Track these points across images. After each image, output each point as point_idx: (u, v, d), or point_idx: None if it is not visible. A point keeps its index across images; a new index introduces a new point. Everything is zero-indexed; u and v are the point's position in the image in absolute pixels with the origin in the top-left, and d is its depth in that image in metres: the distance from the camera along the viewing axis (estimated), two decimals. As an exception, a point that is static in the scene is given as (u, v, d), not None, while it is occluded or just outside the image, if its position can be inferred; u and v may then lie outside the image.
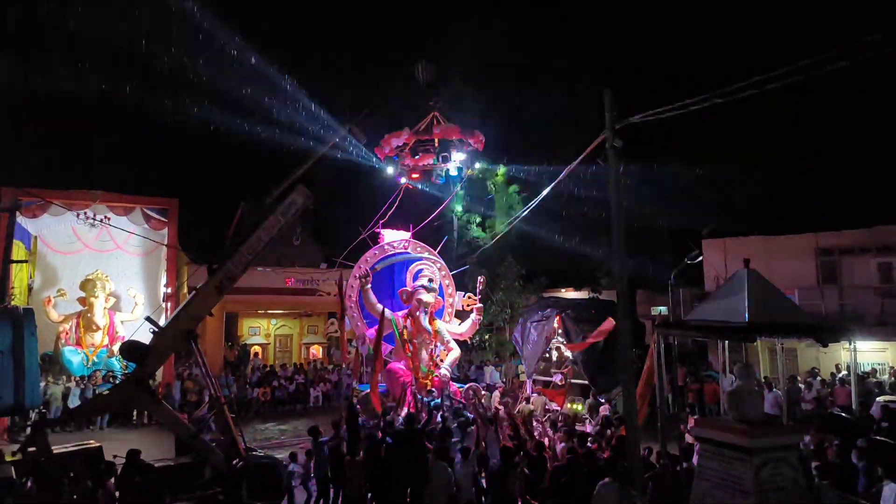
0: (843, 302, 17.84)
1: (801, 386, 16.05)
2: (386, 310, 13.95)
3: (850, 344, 11.72)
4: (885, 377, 17.10)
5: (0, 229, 14.72)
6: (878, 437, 9.01)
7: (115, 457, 8.62)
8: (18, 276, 17.82)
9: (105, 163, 27.68)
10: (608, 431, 11.18)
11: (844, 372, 16.10)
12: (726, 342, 11.80)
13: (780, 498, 6.70)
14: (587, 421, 13.66)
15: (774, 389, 14.39)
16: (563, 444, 10.37)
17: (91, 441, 9.58)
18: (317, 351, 26.88)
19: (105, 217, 20.26)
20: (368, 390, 13.43)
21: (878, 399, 13.65)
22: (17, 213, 14.83)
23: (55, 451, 8.73)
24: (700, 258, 21.58)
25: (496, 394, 15.76)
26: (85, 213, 19.78)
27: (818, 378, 16.75)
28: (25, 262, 17.98)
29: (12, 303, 15.39)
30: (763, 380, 15.61)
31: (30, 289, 19.37)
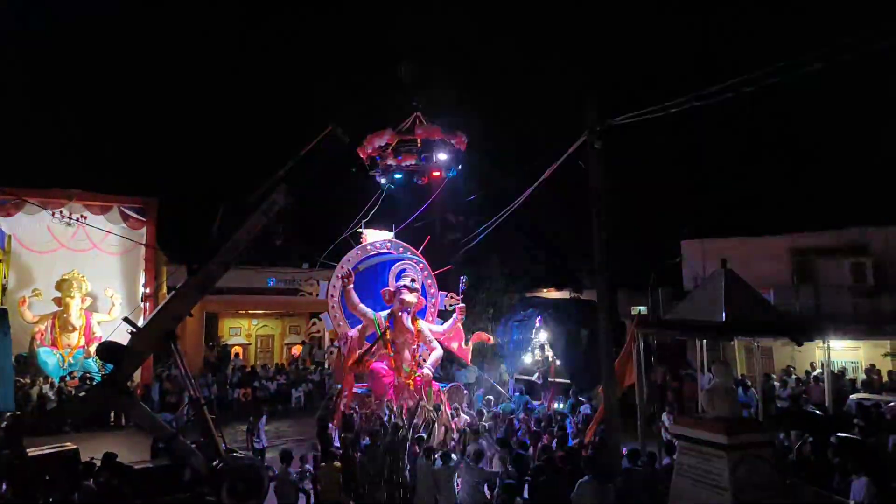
0: (818, 302, 18.20)
1: (776, 384, 16.35)
2: (368, 310, 13.93)
3: (824, 343, 11.96)
4: (859, 375, 17.51)
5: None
6: (849, 435, 9.22)
7: (91, 459, 8.51)
8: (-8, 276, 17.47)
9: (82, 160, 27.29)
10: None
11: (819, 370, 16.44)
12: (704, 341, 11.98)
13: (756, 494, 6.85)
14: (568, 420, 13.76)
15: (751, 388, 14.65)
16: (545, 442, 10.47)
17: (67, 443, 9.43)
18: (298, 351, 26.73)
19: (81, 216, 19.92)
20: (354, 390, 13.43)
21: (851, 396, 13.97)
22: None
23: (30, 454, 8.58)
24: (679, 259, 21.92)
25: (479, 393, 15.83)
26: (60, 212, 19.46)
27: (793, 376, 17.09)
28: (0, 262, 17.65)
29: (-15, 303, 15.08)
30: (740, 378, 15.88)
31: (3, 289, 18.97)
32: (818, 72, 7.06)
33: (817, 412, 11.02)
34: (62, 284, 19.94)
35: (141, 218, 21.07)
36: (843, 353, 18.34)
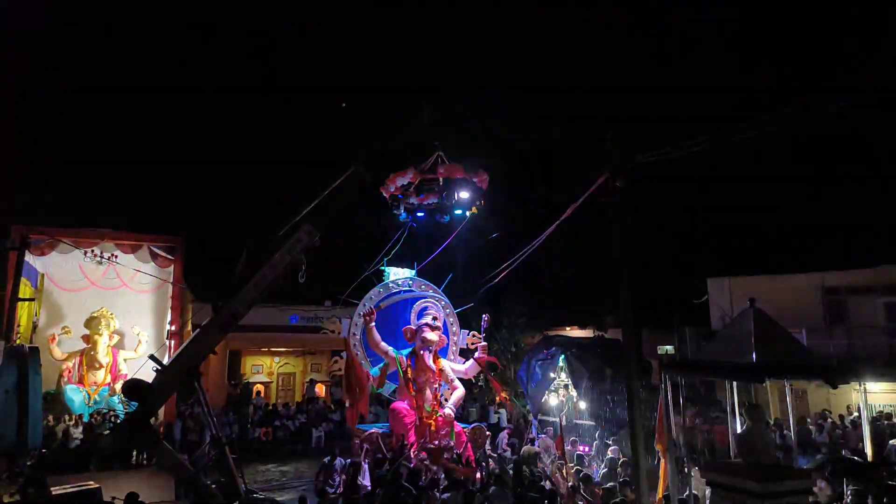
0: (852, 342, 17.61)
1: (812, 428, 15.73)
2: (390, 348, 13.88)
3: (860, 385, 11.51)
4: (898, 419, 16.76)
5: (9, 267, 14.83)
6: (892, 482, 8.78)
7: (113, 499, 8.49)
8: (24, 314, 17.86)
9: (113, 200, 28.11)
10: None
11: (856, 414, 15.79)
12: (734, 383, 11.62)
13: (793, 545, 6.52)
14: (594, 464, 13.39)
15: (785, 432, 14.11)
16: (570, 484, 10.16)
17: (90, 482, 9.44)
18: (320, 389, 26.59)
19: (112, 255, 20.42)
20: (374, 430, 13.31)
21: (891, 441, 13.36)
22: (26, 251, 14.96)
23: (54, 492, 8.61)
24: (705, 298, 21.52)
25: (503, 434, 15.54)
26: (93, 251, 19.97)
27: (829, 420, 16.44)
28: (32, 300, 18.04)
29: (17, 341, 15.39)
30: (773, 421, 15.33)
31: (34, 326, 19.37)
32: (835, 111, 7.00)
33: (857, 458, 10.54)
34: (91, 322, 20.29)
35: (169, 257, 21.48)
36: (882, 395, 17.61)
